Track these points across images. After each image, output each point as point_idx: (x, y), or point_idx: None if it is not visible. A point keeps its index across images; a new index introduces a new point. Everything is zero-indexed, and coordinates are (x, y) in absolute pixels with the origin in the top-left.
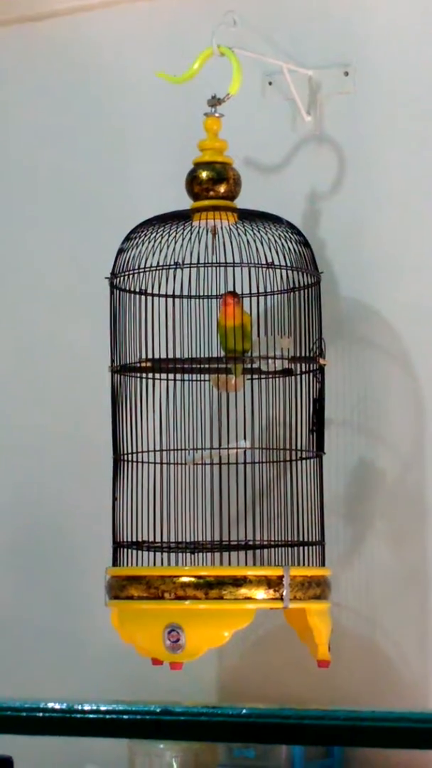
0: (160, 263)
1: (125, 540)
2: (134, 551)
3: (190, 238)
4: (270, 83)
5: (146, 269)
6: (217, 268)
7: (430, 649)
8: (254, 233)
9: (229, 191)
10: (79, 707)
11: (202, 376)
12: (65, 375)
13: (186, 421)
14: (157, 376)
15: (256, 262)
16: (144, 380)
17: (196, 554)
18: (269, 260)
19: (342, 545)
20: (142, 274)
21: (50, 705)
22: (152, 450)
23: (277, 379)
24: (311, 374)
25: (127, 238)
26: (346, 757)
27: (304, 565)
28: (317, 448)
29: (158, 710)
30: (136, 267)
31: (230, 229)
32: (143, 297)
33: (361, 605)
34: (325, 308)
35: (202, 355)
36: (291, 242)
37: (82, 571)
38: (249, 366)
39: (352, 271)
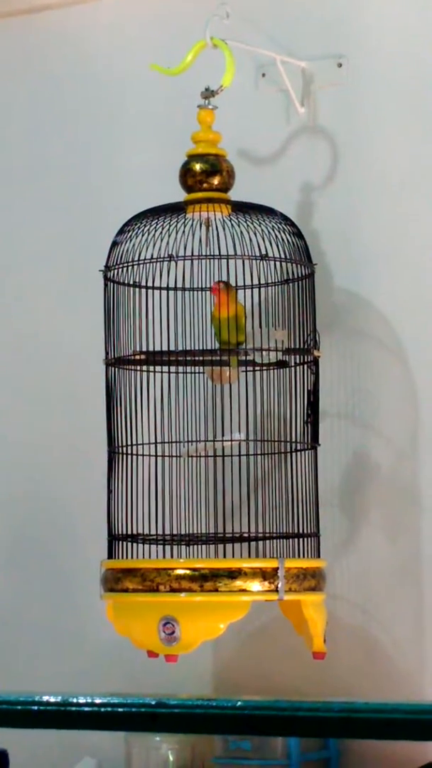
0: (154, 256)
1: (120, 533)
2: (129, 544)
3: (184, 231)
4: (263, 75)
5: (140, 262)
6: (212, 260)
7: (425, 640)
8: (248, 225)
9: (223, 183)
10: (75, 700)
11: (197, 368)
12: (59, 368)
13: (181, 413)
14: (151, 368)
15: (250, 254)
16: (139, 373)
17: (191, 546)
18: (263, 252)
19: (337, 537)
20: (136, 266)
21: (45, 698)
22: (147, 443)
23: (271, 371)
24: (306, 366)
25: (121, 231)
26: (342, 748)
27: (299, 556)
28: (312, 440)
29: (153, 703)
30: (130, 260)
31: (224, 221)
32: (137, 290)
33: (357, 596)
34: (319, 300)
35: (196, 348)
36: (285, 234)
37: (77, 564)
38: (244, 358)
39: (346, 263)
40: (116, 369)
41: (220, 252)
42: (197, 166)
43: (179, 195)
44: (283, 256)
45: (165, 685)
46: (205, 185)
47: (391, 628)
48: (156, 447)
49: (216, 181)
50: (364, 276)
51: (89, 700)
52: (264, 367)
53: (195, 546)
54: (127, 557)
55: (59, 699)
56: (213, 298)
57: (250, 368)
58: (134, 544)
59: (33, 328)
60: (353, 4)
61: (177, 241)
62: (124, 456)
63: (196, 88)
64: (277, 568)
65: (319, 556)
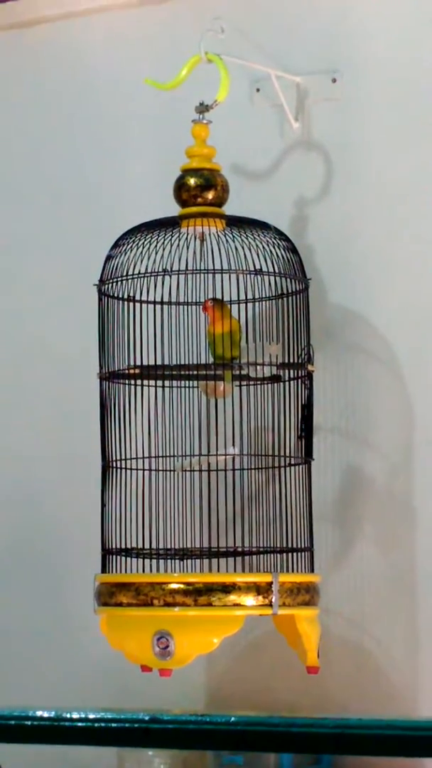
0: (149, 270)
1: (114, 547)
2: (123, 558)
3: (179, 245)
4: (258, 90)
5: (134, 276)
6: (206, 274)
7: (419, 655)
8: (242, 240)
9: (217, 198)
10: (68, 715)
11: (191, 382)
12: (53, 382)
13: (175, 427)
14: (145, 383)
15: (244, 268)
16: (132, 387)
17: (185, 561)
18: (257, 267)
19: (331, 551)
20: (130, 280)
21: (38, 713)
22: (141, 457)
23: (265, 385)
24: (299, 380)
25: (115, 245)
26: (335, 764)
27: (293, 571)
28: (306, 454)
29: (147, 718)
30: (125, 274)
31: (218, 235)
32: (131, 304)
33: (350, 611)
34: (313, 314)
35: (190, 362)
36: (279, 249)
37: (70, 578)
38: (237, 372)
39: (341, 278)
40: (110, 383)
41: (214, 266)
42: (192, 181)
43: (173, 209)
44: (277, 270)
45: (158, 700)
46: (199, 200)
47: (385, 643)
48: (149, 461)
49: (210, 195)
50: (359, 291)
51: (83, 716)
52: (258, 382)
53: (188, 560)
54: (120, 571)
55: (53, 714)
56: (207, 314)
57: (243, 383)
58: (128, 558)
59: (27, 341)
60: (348, 20)
61: (171, 256)
62: (118, 470)
63: (190, 103)
64: (271, 583)
65: (312, 571)
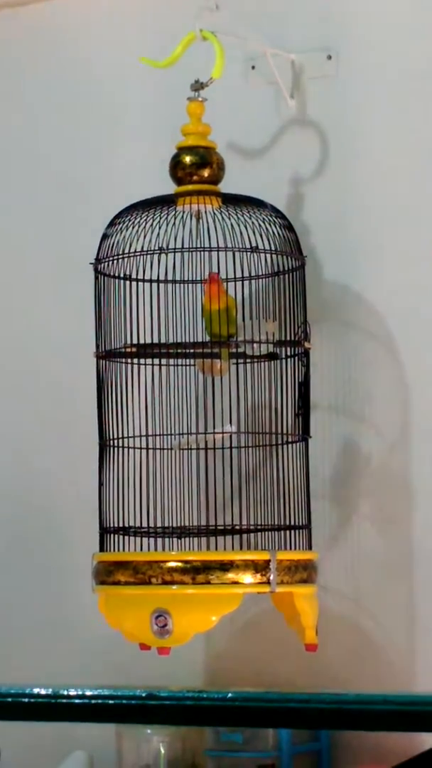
0: (145, 248)
1: (112, 525)
2: (121, 537)
3: (174, 223)
4: (253, 67)
5: (130, 254)
6: (202, 252)
7: (416, 631)
8: (238, 217)
9: (213, 176)
10: (66, 692)
11: (188, 360)
12: (50, 361)
13: (172, 406)
14: (142, 361)
15: (241, 246)
16: (129, 366)
17: (182, 539)
18: (253, 244)
19: (328, 529)
20: (126, 259)
21: (36, 690)
22: (138, 435)
23: (262, 363)
24: (296, 358)
25: (111, 224)
26: (333, 739)
27: (290, 548)
28: (303, 432)
29: (144, 695)
30: (121, 252)
31: (214, 213)
32: (128, 282)
33: (348, 588)
34: (309, 292)
35: (187, 340)
36: (275, 226)
37: (68, 557)
38: (234, 350)
39: (337, 255)
40: (107, 362)
41: (210, 244)
42: (187, 159)
43: (169, 187)
44: (273, 248)
45: (157, 678)
46: (195, 177)
47: (382, 620)
48: (147, 439)
49: (206, 173)
50: (355, 268)
51: (80, 692)
52: (255, 359)
53: (186, 538)
54: (118, 550)
55: (50, 691)
56: (203, 291)
57: (240, 360)
58: (126, 537)
59: (23, 321)
60: None
61: (167, 234)
62: (115, 449)
63: (185, 81)
64: (269, 561)
65: (310, 548)
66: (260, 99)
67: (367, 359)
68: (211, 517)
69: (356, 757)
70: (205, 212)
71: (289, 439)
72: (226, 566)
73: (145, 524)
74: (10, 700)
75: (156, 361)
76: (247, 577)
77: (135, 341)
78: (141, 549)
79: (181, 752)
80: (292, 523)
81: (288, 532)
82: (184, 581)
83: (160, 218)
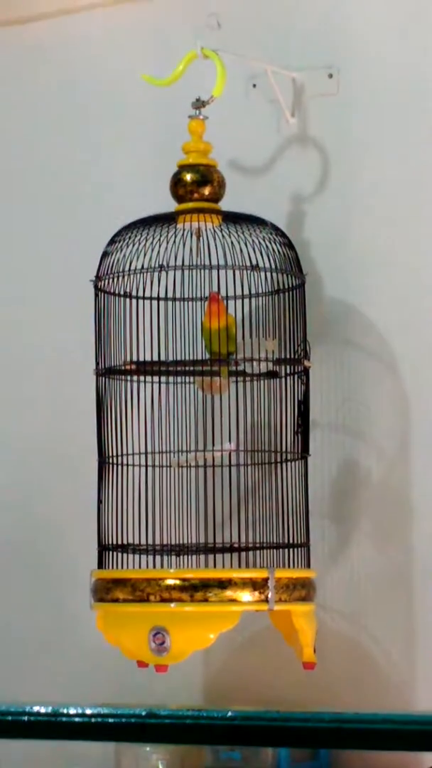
0: (145, 266)
1: (110, 543)
2: (120, 554)
3: (175, 241)
4: (254, 85)
5: (131, 272)
6: (202, 270)
7: (416, 650)
8: (239, 235)
9: (214, 193)
10: (65, 711)
11: (187, 378)
12: (50, 378)
13: (171, 423)
14: (142, 378)
15: (241, 264)
16: (129, 383)
17: (181, 557)
18: (254, 262)
19: (327, 547)
20: (126, 276)
21: (36, 709)
22: (137, 453)
23: (262, 381)
24: (296, 376)
25: (112, 241)
26: (332, 759)
27: (289, 566)
28: (302, 450)
29: (144, 713)
30: (121, 270)
31: (215, 231)
32: (128, 300)
33: (347, 606)
34: (309, 310)
35: (187, 358)
36: (275, 244)
37: (67, 574)
38: (234, 368)
39: (337, 273)
40: (106, 379)
41: (210, 262)
42: (188, 176)
43: (170, 205)
44: (273, 266)
45: (155, 696)
46: (195, 195)
47: (381, 638)
48: (146, 457)
49: (206, 191)
50: (355, 286)
51: (80, 711)
52: (254, 378)
53: (185, 556)
54: (117, 567)
55: (50, 710)
56: (204, 309)
57: (240, 378)
58: (124, 554)
59: (23, 337)
60: (344, 15)
61: (167, 252)
62: (115, 466)
63: (186, 99)
64: (267, 578)
65: (309, 566)
66: (261, 117)
67: (367, 377)
68: (209, 535)
69: None
70: (206, 230)
71: (289, 457)
72: (224, 584)
73: (143, 541)
74: (10, 718)
75: (156, 378)
76: (246, 595)
77: (135, 359)
78: (140, 566)
79: None
80: (291, 541)
81: (287, 550)
82: (182, 599)
83: (161, 236)
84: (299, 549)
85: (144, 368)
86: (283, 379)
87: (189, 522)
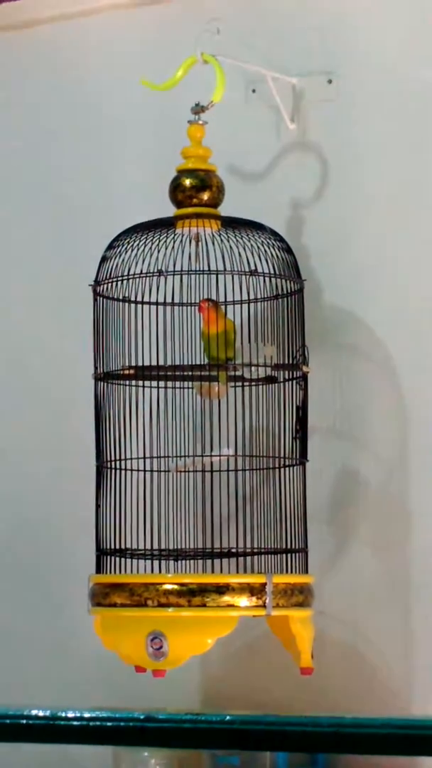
0: (144, 271)
1: (109, 547)
2: (117, 558)
3: (174, 246)
4: (253, 91)
5: (130, 277)
6: (201, 275)
7: (413, 656)
8: (238, 240)
9: (213, 199)
10: (63, 714)
11: (186, 383)
12: (48, 382)
13: (170, 428)
14: (141, 383)
15: (240, 269)
16: (128, 388)
17: (179, 561)
18: (253, 267)
19: (325, 552)
20: (125, 281)
21: (34, 712)
22: (136, 457)
23: (260, 386)
24: (295, 381)
25: (111, 246)
26: (330, 763)
27: (287, 572)
28: (301, 456)
29: (142, 717)
30: (120, 275)
31: (214, 236)
32: (127, 305)
33: (345, 612)
34: (308, 315)
35: (186, 363)
36: (274, 249)
37: (65, 579)
38: (233, 373)
39: (336, 279)
40: (105, 384)
41: (209, 267)
42: (187, 182)
43: (169, 210)
44: (272, 271)
45: (153, 701)
46: (194, 200)
47: (379, 644)
48: (145, 462)
49: (206, 196)
50: (354, 291)
51: (78, 715)
52: (253, 383)
53: (183, 561)
54: (115, 572)
55: (48, 713)
56: (202, 315)
57: (239, 383)
58: (122, 559)
59: (22, 342)
60: (343, 21)
61: (166, 257)
62: (113, 471)
63: (186, 104)
64: (265, 584)
65: (307, 572)
66: (261, 122)
67: (366, 383)
68: (208, 540)
69: None
70: (205, 235)
71: (287, 463)
72: (222, 589)
73: (142, 546)
74: (8, 722)
75: (155, 383)
76: (243, 600)
77: (134, 363)
78: (137, 571)
79: None
80: (289, 546)
81: (285, 555)
82: (180, 604)
83: (160, 241)
84: (297, 554)
85: (143, 373)
86: (282, 385)
87: (187, 527)
